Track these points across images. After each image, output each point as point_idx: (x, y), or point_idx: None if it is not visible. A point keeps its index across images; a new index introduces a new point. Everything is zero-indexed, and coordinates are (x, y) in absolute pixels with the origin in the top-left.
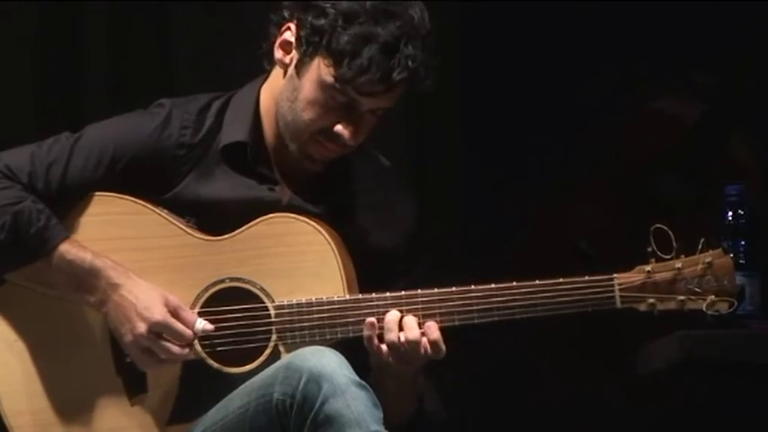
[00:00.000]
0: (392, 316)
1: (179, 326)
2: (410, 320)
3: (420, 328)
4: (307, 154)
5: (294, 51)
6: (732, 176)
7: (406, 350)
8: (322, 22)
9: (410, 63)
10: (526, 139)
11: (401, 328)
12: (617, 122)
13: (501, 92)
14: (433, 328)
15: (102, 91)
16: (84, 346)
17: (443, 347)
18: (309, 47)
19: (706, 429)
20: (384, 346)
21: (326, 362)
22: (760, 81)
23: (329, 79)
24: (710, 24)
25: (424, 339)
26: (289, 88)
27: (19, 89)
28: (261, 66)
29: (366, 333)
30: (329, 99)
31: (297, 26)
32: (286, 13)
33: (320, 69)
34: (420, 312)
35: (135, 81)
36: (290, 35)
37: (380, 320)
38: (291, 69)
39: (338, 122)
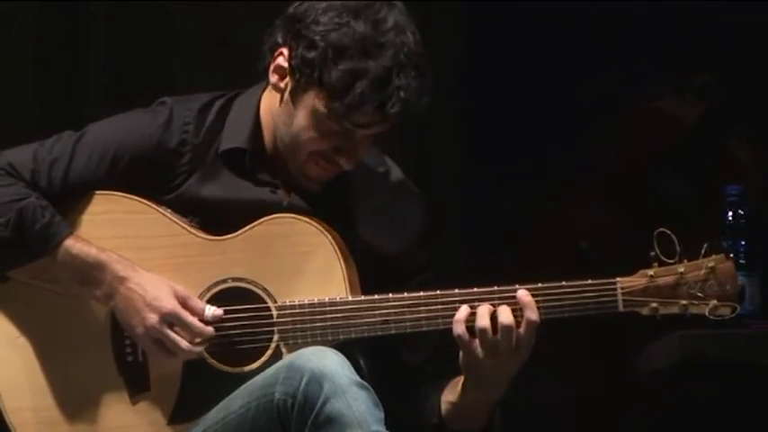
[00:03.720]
0: (484, 309)
1: (189, 316)
2: (502, 310)
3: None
4: (305, 174)
5: (288, 78)
6: (732, 176)
7: (497, 339)
8: (312, 55)
9: (402, 94)
10: (526, 139)
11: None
12: (617, 122)
13: (501, 91)
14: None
15: (103, 90)
16: (86, 344)
17: (535, 312)
18: (302, 78)
19: (706, 429)
20: (476, 341)
21: (328, 362)
22: (759, 81)
23: (323, 110)
24: (710, 24)
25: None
26: (285, 113)
27: (20, 89)
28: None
29: (456, 331)
30: (324, 128)
31: (288, 54)
32: (279, 38)
33: (314, 100)
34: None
35: (135, 81)
36: (282, 60)
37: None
38: (287, 95)
39: (334, 147)
